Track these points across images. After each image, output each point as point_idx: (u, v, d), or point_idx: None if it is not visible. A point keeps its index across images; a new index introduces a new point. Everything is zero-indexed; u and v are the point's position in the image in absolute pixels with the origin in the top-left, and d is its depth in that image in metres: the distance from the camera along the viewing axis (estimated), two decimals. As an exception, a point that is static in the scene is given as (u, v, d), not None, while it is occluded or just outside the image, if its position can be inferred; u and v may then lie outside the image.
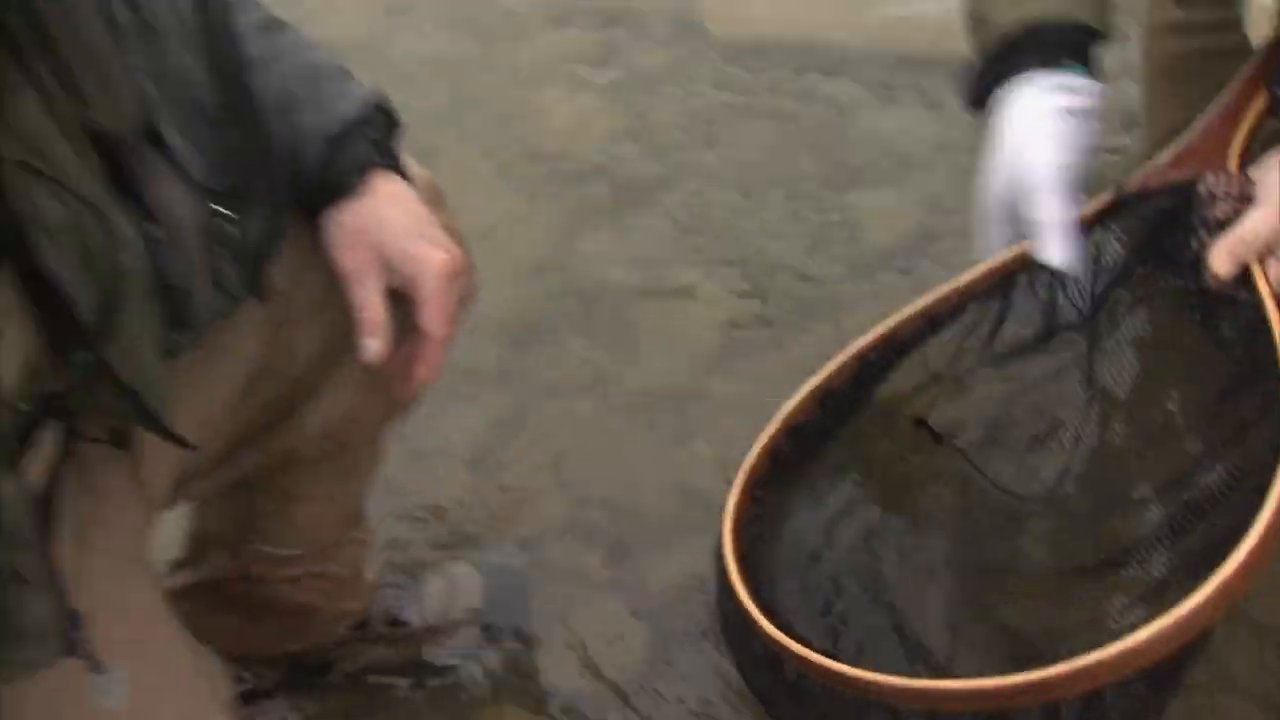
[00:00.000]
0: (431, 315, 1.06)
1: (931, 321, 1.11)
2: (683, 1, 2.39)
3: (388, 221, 1.06)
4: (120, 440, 0.99)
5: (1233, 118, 1.11)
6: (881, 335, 1.08)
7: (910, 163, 2.08)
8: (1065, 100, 1.04)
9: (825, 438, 1.07)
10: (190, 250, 0.92)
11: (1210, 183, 1.05)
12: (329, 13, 2.32)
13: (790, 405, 1.05)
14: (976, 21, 1.10)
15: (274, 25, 1.07)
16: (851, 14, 2.35)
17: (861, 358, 1.06)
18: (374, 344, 1.07)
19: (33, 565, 0.81)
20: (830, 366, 1.07)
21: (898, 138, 2.12)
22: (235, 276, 0.98)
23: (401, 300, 1.08)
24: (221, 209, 0.96)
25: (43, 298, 0.83)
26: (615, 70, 2.26)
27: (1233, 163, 1.08)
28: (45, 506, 0.91)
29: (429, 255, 1.05)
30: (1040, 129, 1.03)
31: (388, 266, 1.06)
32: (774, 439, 1.04)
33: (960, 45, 1.09)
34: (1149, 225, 1.08)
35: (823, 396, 1.06)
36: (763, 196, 2.04)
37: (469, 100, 2.22)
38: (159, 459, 1.05)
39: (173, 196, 0.91)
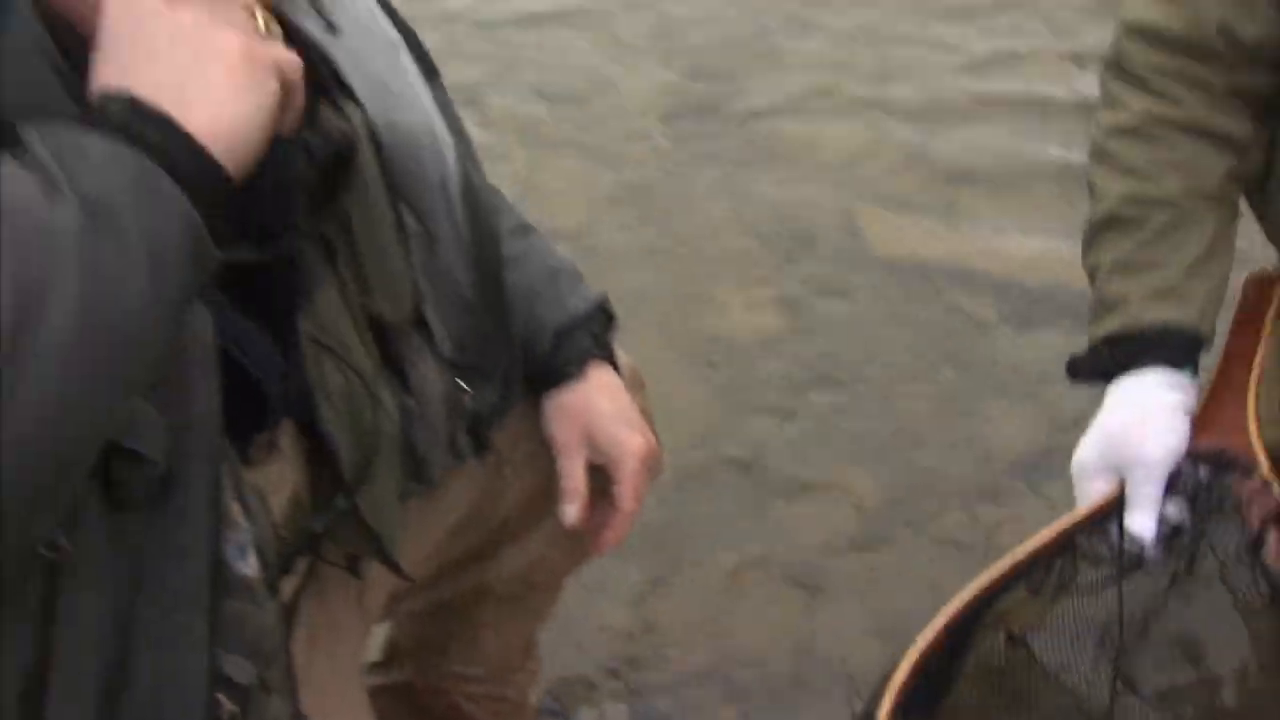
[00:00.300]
0: (626, 494, 1.08)
1: (1043, 557, 1.10)
2: (847, 221, 2.43)
3: (598, 408, 1.09)
4: (354, 568, 1.02)
5: (1241, 380, 1.12)
6: (1001, 574, 1.07)
7: (1042, 382, 2.05)
8: (1182, 397, 1.09)
9: (948, 659, 1.06)
10: (435, 420, 0.97)
11: (1242, 485, 1.06)
12: (558, 203, 2.44)
13: (921, 642, 1.03)
14: (1105, 307, 1.13)
15: (524, 230, 1.13)
16: (995, 244, 2.36)
17: (983, 595, 1.06)
18: (572, 510, 1.09)
19: (278, 677, 0.83)
20: (952, 608, 1.06)
21: (1032, 358, 2.10)
22: (467, 442, 1.02)
23: (598, 468, 1.11)
24: (461, 382, 1.01)
25: (314, 451, 0.88)
26: (786, 275, 2.30)
27: (1252, 425, 1.09)
28: (288, 616, 0.95)
29: (630, 441, 1.08)
30: (1160, 419, 1.08)
31: (592, 445, 1.09)
32: (907, 679, 1.01)
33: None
34: (1191, 492, 1.09)
35: (946, 632, 1.05)
36: (905, 400, 2.03)
37: (658, 286, 2.27)
38: (379, 583, 1.08)
39: (428, 374, 0.95)
